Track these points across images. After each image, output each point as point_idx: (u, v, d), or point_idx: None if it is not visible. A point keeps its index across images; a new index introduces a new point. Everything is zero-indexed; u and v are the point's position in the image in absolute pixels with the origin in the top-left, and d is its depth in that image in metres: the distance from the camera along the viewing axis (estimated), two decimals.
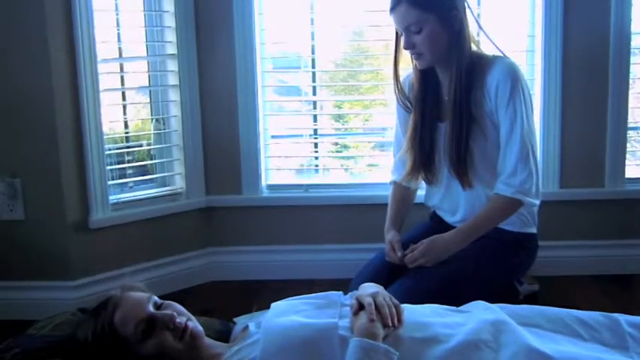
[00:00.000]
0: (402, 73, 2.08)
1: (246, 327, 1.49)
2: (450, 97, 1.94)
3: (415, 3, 1.86)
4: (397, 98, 2.12)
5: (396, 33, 1.99)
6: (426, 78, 2.02)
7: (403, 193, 2.20)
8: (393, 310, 1.37)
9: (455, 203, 2.07)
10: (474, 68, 1.93)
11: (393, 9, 1.91)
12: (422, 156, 2.05)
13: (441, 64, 1.97)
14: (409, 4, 1.86)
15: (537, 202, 1.96)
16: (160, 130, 2.84)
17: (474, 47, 1.97)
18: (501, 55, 1.99)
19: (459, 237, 1.95)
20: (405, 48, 1.94)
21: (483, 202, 1.99)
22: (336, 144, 3.13)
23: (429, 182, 2.12)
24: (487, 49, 2.04)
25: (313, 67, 2.93)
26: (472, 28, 1.98)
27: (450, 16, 1.89)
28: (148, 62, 2.81)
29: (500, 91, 1.88)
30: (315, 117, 3.00)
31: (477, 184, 1.99)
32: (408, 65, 2.06)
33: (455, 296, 1.62)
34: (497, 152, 1.95)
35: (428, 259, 1.93)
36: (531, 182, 1.90)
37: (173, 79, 2.79)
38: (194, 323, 1.42)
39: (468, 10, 1.95)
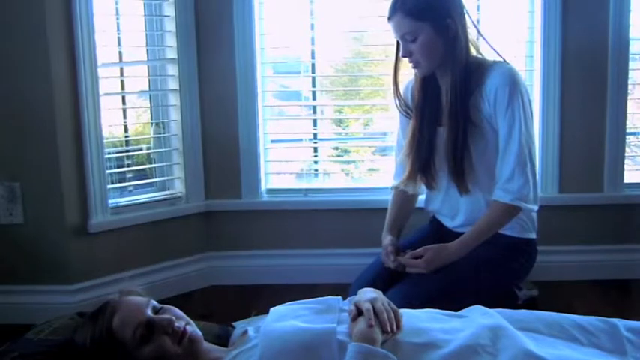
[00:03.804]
0: (401, 79, 2.10)
1: (245, 331, 1.49)
2: (447, 104, 1.96)
3: (409, 12, 1.89)
4: (397, 105, 2.13)
5: (397, 42, 2.01)
6: (427, 84, 2.04)
7: (403, 199, 2.21)
8: (392, 315, 1.38)
9: (455, 208, 2.08)
10: (472, 74, 1.94)
11: (390, 18, 1.95)
12: (420, 160, 2.06)
13: (440, 70, 1.99)
14: (404, 13, 1.89)
15: (535, 207, 1.97)
16: (160, 134, 2.85)
17: (474, 53, 1.98)
18: (501, 60, 2.00)
19: (459, 247, 1.96)
20: (403, 56, 1.98)
21: (482, 207, 1.99)
22: (337, 148, 3.14)
23: (428, 187, 2.12)
24: (490, 55, 2.04)
25: (313, 71, 2.94)
26: (472, 34, 2.00)
27: (445, 25, 1.90)
28: (148, 66, 2.82)
29: (499, 96, 1.89)
30: (315, 121, 3.00)
31: (476, 188, 2.00)
32: (408, 70, 2.07)
33: (453, 301, 1.63)
34: (497, 157, 1.95)
35: (429, 269, 1.93)
36: (529, 188, 1.90)
37: (173, 84, 2.80)
38: (193, 327, 1.42)
39: (467, 17, 1.96)
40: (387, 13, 1.95)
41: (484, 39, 2.08)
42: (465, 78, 1.93)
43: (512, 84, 1.89)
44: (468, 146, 1.96)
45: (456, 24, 1.92)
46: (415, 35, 1.91)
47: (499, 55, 2.03)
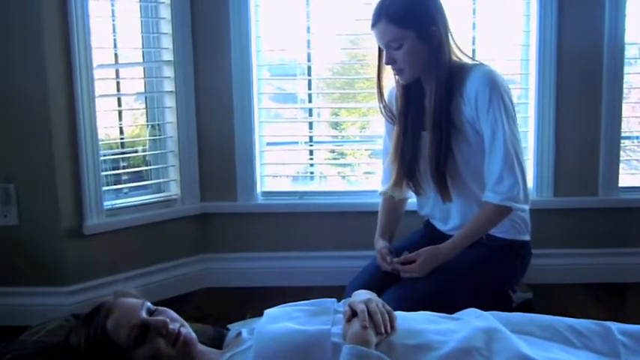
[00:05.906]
0: (386, 83, 2.08)
1: (239, 333, 1.48)
2: (429, 109, 1.95)
3: (394, 20, 1.88)
4: (381, 111, 2.13)
5: (379, 48, 2.00)
6: (409, 90, 2.03)
7: (393, 204, 2.20)
8: (386, 316, 1.38)
9: (446, 211, 2.07)
10: (454, 77, 1.94)
11: (373, 25, 1.93)
12: (405, 166, 2.06)
13: (424, 76, 1.98)
14: (388, 21, 1.88)
15: (526, 207, 1.96)
16: (156, 136, 2.85)
17: (455, 58, 1.97)
18: (481, 62, 2.00)
19: (451, 248, 1.96)
20: (387, 63, 1.96)
21: (474, 210, 1.99)
22: (333, 151, 3.14)
23: (416, 192, 2.12)
24: (478, 57, 2.04)
25: (309, 74, 2.94)
26: (456, 39, 1.99)
27: (429, 33, 1.90)
28: (144, 68, 2.82)
29: (479, 98, 1.89)
30: (311, 124, 3.00)
31: (465, 193, 2.00)
32: (392, 76, 2.06)
33: (448, 304, 1.62)
34: (483, 159, 1.95)
35: (423, 273, 1.93)
36: (518, 188, 1.90)
37: (169, 86, 2.80)
38: (187, 329, 1.42)
39: (448, 25, 1.96)
40: (370, 20, 1.93)
41: (462, 51, 2.05)
42: (447, 83, 1.93)
43: (492, 85, 1.89)
44: (452, 151, 1.95)
45: (440, 31, 1.92)
46: (400, 43, 1.90)
47: (473, 59, 2.02)
